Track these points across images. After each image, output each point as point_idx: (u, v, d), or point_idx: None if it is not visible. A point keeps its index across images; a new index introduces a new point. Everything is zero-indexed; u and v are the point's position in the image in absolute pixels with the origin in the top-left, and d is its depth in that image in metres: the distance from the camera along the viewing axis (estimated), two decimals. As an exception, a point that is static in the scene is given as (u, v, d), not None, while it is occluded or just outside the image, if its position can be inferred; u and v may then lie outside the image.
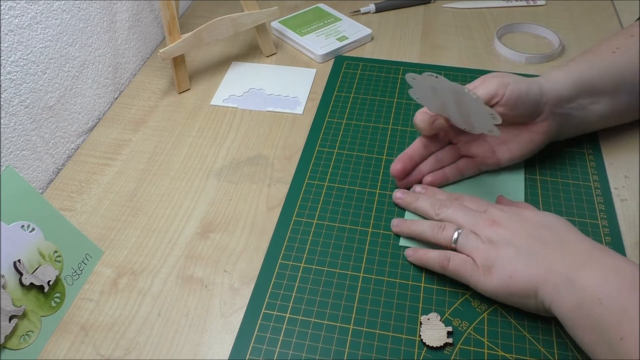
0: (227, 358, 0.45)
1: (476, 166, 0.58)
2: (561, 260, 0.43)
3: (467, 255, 0.47)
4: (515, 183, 0.57)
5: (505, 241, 0.45)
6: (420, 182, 0.57)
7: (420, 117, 0.54)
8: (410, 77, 0.52)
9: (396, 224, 0.53)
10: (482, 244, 0.46)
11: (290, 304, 0.48)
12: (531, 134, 0.55)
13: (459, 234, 0.48)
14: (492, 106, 0.52)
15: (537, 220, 0.47)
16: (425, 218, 0.53)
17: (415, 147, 0.56)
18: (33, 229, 0.47)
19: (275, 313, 0.48)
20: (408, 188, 0.57)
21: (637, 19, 0.62)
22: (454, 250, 0.48)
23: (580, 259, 0.43)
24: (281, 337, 0.46)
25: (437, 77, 0.48)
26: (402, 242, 0.53)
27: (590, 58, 0.57)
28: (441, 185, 0.57)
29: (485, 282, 0.45)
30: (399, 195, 0.55)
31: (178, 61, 0.69)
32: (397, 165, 0.55)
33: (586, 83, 0.55)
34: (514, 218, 0.47)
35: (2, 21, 0.52)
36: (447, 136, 0.57)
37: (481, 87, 0.52)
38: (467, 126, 0.51)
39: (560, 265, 0.43)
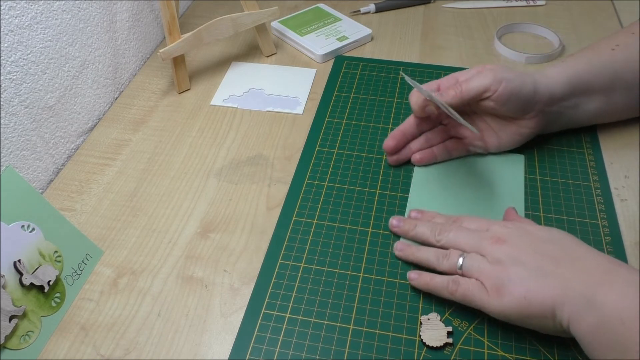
0: (227, 358, 0.45)
1: (464, 147, 0.59)
2: (577, 278, 0.41)
3: (476, 279, 0.44)
4: (515, 184, 0.57)
5: (512, 260, 0.43)
6: (409, 160, 0.59)
7: (414, 99, 0.55)
8: (406, 77, 0.53)
9: (400, 248, 0.51)
10: (488, 265, 0.44)
11: (290, 304, 0.48)
12: (519, 127, 0.57)
13: (463, 258, 0.46)
14: (483, 99, 0.54)
15: (542, 235, 0.45)
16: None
17: (408, 124, 0.58)
18: (33, 229, 0.47)
19: (275, 313, 0.48)
20: (399, 166, 0.59)
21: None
22: (461, 276, 0.46)
23: (596, 276, 0.41)
24: (281, 337, 0.46)
25: (424, 90, 0.51)
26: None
27: (589, 55, 0.58)
28: (429, 163, 0.59)
29: (497, 305, 0.43)
30: (395, 223, 0.53)
31: (178, 61, 0.69)
32: (389, 141, 0.58)
33: (581, 81, 0.56)
34: (518, 233, 0.45)
35: (2, 21, 0.52)
36: (438, 117, 0.58)
37: (476, 79, 0.53)
38: (452, 117, 0.52)
39: (576, 284, 0.41)
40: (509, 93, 0.53)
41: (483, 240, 0.46)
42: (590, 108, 0.58)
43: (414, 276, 0.48)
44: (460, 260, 0.46)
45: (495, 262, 0.44)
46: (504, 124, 0.57)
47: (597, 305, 0.39)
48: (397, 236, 0.53)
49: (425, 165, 0.59)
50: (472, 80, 0.53)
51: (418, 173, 0.59)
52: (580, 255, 0.43)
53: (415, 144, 0.59)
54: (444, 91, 0.54)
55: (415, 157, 0.58)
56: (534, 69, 0.67)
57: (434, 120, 0.59)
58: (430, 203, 0.56)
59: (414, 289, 0.49)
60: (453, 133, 0.59)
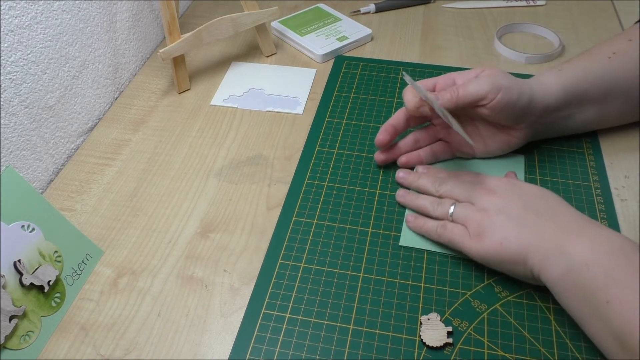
0: (227, 358, 0.45)
1: (450, 151, 0.59)
2: (552, 229, 0.44)
3: (462, 225, 0.48)
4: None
5: (498, 209, 0.47)
6: (396, 159, 0.59)
7: (410, 98, 0.54)
8: (407, 77, 0.53)
9: (402, 194, 0.55)
10: (475, 212, 0.48)
11: (290, 304, 0.48)
12: (508, 137, 0.57)
13: (454, 206, 0.50)
14: (479, 106, 0.53)
15: (531, 191, 0.48)
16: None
17: (398, 118, 0.58)
18: (33, 229, 0.47)
19: (275, 313, 0.48)
20: (410, 168, 0.58)
21: (636, 21, 0.62)
22: (451, 222, 0.50)
23: (570, 229, 0.44)
24: (281, 337, 0.46)
25: (424, 93, 0.51)
26: (402, 242, 0.53)
27: (585, 64, 0.57)
28: (414, 165, 0.59)
29: (476, 248, 0.47)
30: (401, 175, 0.57)
31: (178, 61, 0.69)
32: (382, 135, 0.57)
33: (578, 91, 0.55)
34: (509, 187, 0.49)
35: (2, 21, 0.52)
36: (429, 116, 0.57)
37: (473, 85, 0.52)
38: (447, 122, 0.52)
39: (551, 234, 0.44)
40: (505, 102, 0.52)
41: (475, 190, 0.50)
42: (583, 118, 0.58)
43: (410, 219, 0.53)
44: (452, 208, 0.50)
45: (481, 210, 0.48)
46: (493, 131, 0.57)
47: (566, 253, 0.42)
48: (398, 230, 0.53)
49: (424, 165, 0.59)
50: (469, 86, 0.52)
51: None
52: (563, 212, 0.46)
53: (404, 144, 0.59)
54: (440, 93, 0.53)
55: (402, 160, 0.58)
56: (533, 71, 0.67)
57: (424, 116, 0.58)
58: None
59: (414, 289, 0.49)
60: (442, 135, 0.59)
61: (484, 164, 0.59)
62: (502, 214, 0.46)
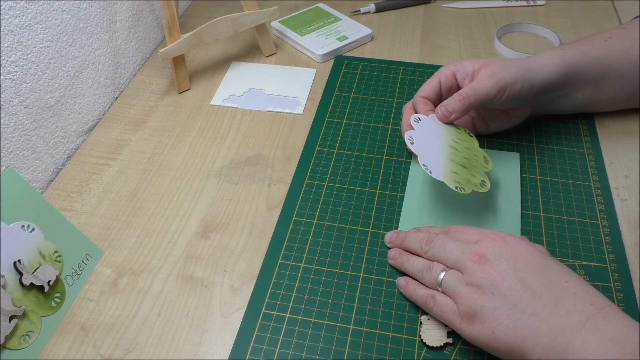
0: (227, 358, 0.45)
1: None
2: (553, 321, 0.39)
3: (452, 299, 0.44)
4: (511, 182, 0.57)
5: (490, 287, 0.41)
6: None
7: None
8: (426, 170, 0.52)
9: (392, 256, 0.50)
10: (465, 288, 0.42)
11: (290, 304, 0.48)
12: (509, 117, 0.60)
13: (444, 274, 0.44)
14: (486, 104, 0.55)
15: (531, 262, 0.42)
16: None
17: (409, 115, 0.56)
18: (33, 229, 0.47)
19: (275, 313, 0.48)
20: None
21: (633, 17, 0.64)
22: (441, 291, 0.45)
23: (575, 322, 0.38)
24: (281, 337, 0.46)
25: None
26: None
27: (584, 48, 0.59)
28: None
29: (467, 331, 0.42)
30: (387, 239, 0.52)
31: (178, 61, 0.69)
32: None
33: (575, 71, 0.58)
34: (504, 253, 0.43)
35: (2, 21, 0.52)
36: (436, 101, 0.58)
37: (481, 91, 0.53)
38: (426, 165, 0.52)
39: (551, 327, 0.39)
40: (511, 98, 0.55)
41: (466, 257, 0.43)
42: (578, 98, 0.60)
43: (402, 283, 0.48)
44: (441, 276, 0.45)
45: (472, 285, 0.42)
46: (495, 113, 0.60)
47: (570, 355, 0.37)
48: (397, 236, 0.53)
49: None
50: (478, 91, 0.53)
51: (414, 172, 0.59)
52: (565, 293, 0.40)
53: None
54: (449, 101, 0.54)
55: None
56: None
57: (434, 102, 0.58)
58: (426, 201, 0.56)
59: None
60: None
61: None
62: (495, 295, 0.41)
